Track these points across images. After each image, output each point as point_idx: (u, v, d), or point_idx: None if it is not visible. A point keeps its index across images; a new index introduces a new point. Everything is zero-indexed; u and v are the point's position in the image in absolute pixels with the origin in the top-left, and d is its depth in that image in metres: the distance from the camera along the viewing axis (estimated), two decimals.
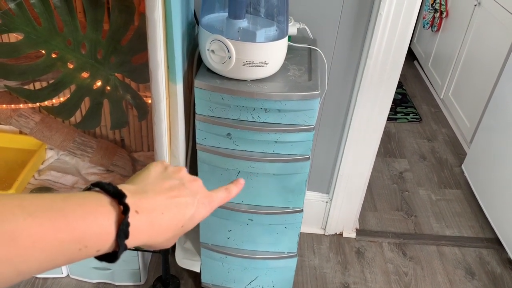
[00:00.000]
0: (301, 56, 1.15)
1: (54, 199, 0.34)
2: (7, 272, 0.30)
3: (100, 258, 0.37)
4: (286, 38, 1.01)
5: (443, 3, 2.60)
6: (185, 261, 1.39)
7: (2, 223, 0.29)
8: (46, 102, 1.39)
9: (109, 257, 0.37)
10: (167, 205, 0.41)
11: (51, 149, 1.67)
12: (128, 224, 0.36)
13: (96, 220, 0.35)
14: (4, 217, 0.30)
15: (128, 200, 0.37)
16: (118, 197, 0.37)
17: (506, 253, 1.64)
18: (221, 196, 0.48)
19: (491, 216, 1.76)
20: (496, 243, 1.71)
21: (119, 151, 1.61)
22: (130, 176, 1.46)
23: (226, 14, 0.99)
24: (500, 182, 1.70)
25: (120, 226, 0.36)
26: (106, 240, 0.35)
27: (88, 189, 0.38)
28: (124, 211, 0.36)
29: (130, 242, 0.37)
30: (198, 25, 1.10)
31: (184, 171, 0.46)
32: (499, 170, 1.71)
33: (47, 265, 0.32)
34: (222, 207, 1.19)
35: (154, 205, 0.40)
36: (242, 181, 0.51)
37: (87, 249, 0.34)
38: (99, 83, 1.28)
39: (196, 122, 1.06)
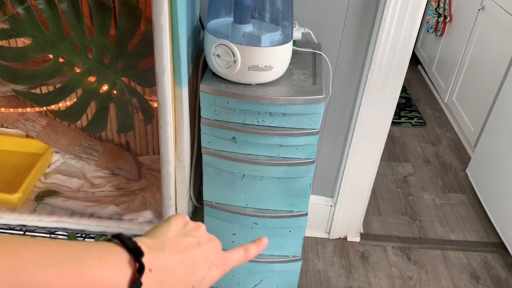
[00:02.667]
0: (306, 61, 1.16)
1: (76, 250, 0.35)
2: None
3: None
4: (291, 42, 1.02)
5: (447, 7, 2.60)
6: None
7: (25, 273, 0.31)
8: (53, 106, 1.41)
9: None
10: (180, 264, 0.41)
11: (57, 152, 1.68)
12: (140, 284, 0.37)
13: (112, 277, 0.36)
14: (27, 267, 0.31)
15: (144, 258, 0.37)
16: (135, 254, 0.37)
17: (511, 257, 1.64)
18: (237, 257, 0.47)
19: (495, 220, 1.76)
20: (501, 247, 1.71)
21: (124, 155, 1.62)
22: (135, 180, 1.48)
23: (231, 19, 1.00)
24: (504, 186, 1.69)
25: (132, 286, 0.36)
26: None
27: (109, 239, 0.39)
28: (139, 269, 0.37)
29: None
30: (203, 30, 1.11)
31: (203, 229, 0.46)
32: (503, 174, 1.71)
33: None
34: (227, 210, 1.20)
35: (169, 263, 0.40)
36: (265, 241, 0.49)
37: None
38: (105, 87, 1.29)
39: (202, 126, 1.07)
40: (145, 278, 0.37)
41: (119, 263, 0.36)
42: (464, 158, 2.22)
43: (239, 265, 0.47)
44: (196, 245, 0.43)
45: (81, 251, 0.35)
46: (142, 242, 0.39)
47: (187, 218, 0.46)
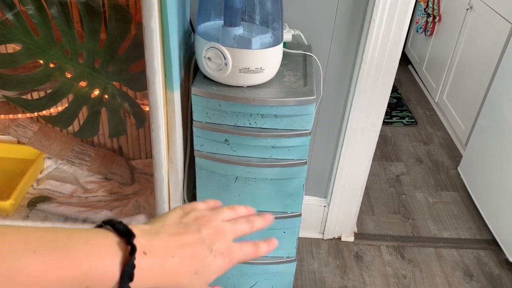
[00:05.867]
0: (297, 62, 1.16)
1: (60, 236, 0.33)
2: None
3: None
4: (281, 44, 1.03)
5: (435, 7, 2.63)
6: None
7: (4, 260, 0.29)
8: (44, 112, 1.40)
9: None
10: (178, 249, 0.39)
11: (49, 158, 1.67)
12: (133, 266, 0.35)
13: (101, 259, 0.34)
14: (7, 254, 0.30)
15: (137, 240, 0.36)
16: (126, 237, 0.36)
17: (504, 254, 1.65)
18: (247, 250, 0.45)
19: (487, 217, 1.77)
20: (493, 244, 1.73)
21: (117, 159, 1.61)
22: (128, 184, 1.48)
23: (222, 22, 1.00)
24: (496, 183, 1.71)
25: (125, 268, 0.34)
26: (109, 281, 0.34)
27: (99, 226, 0.37)
28: (131, 251, 0.35)
29: (135, 285, 0.35)
30: (194, 33, 1.11)
31: (209, 217, 0.44)
32: (494, 171, 1.73)
33: None
34: None
35: (165, 247, 0.38)
36: (275, 242, 0.48)
37: None
38: (97, 92, 1.29)
39: (194, 129, 1.07)
40: (141, 261, 0.35)
41: (107, 246, 0.35)
42: (456, 157, 2.24)
43: (248, 259, 0.45)
44: (196, 232, 0.41)
45: (65, 237, 0.33)
46: (135, 227, 0.38)
47: (188, 208, 0.44)
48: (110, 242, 0.35)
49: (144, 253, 0.36)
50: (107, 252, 0.34)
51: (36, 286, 0.30)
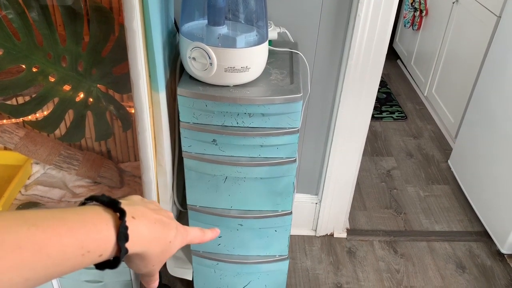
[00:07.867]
0: (283, 60, 1.16)
1: (53, 212, 0.36)
2: (15, 279, 0.32)
3: (103, 266, 0.39)
4: (267, 42, 1.02)
5: (422, 2, 2.64)
6: (177, 269, 1.38)
7: (8, 233, 0.32)
8: (29, 117, 1.38)
9: (112, 263, 0.39)
10: (156, 217, 0.43)
11: (37, 163, 1.65)
12: (126, 227, 0.38)
13: (96, 226, 0.37)
14: (9, 228, 0.32)
15: (123, 206, 0.39)
16: (112, 205, 0.39)
17: (495, 245, 1.66)
18: (196, 233, 0.50)
19: (478, 209, 1.78)
20: (484, 236, 1.74)
21: (105, 163, 1.60)
22: (117, 187, 1.45)
23: (206, 21, 0.99)
24: (486, 175, 1.72)
25: (119, 229, 0.38)
26: (107, 244, 0.37)
27: (83, 203, 0.40)
28: (120, 216, 0.39)
29: (131, 246, 0.39)
30: (179, 33, 1.10)
31: (158, 203, 0.49)
32: (484, 163, 1.74)
33: (53, 271, 0.34)
34: (211, 213, 1.19)
35: (147, 215, 0.42)
36: (218, 230, 0.53)
37: (90, 254, 0.36)
38: (81, 95, 1.28)
39: (181, 130, 1.06)
40: (131, 224, 0.39)
41: (98, 215, 0.38)
42: (446, 150, 2.25)
43: (195, 242, 0.50)
44: (162, 210, 0.46)
45: (58, 212, 0.36)
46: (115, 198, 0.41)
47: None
48: (100, 211, 0.38)
49: (133, 217, 0.40)
50: (99, 219, 0.38)
51: (43, 254, 0.33)
